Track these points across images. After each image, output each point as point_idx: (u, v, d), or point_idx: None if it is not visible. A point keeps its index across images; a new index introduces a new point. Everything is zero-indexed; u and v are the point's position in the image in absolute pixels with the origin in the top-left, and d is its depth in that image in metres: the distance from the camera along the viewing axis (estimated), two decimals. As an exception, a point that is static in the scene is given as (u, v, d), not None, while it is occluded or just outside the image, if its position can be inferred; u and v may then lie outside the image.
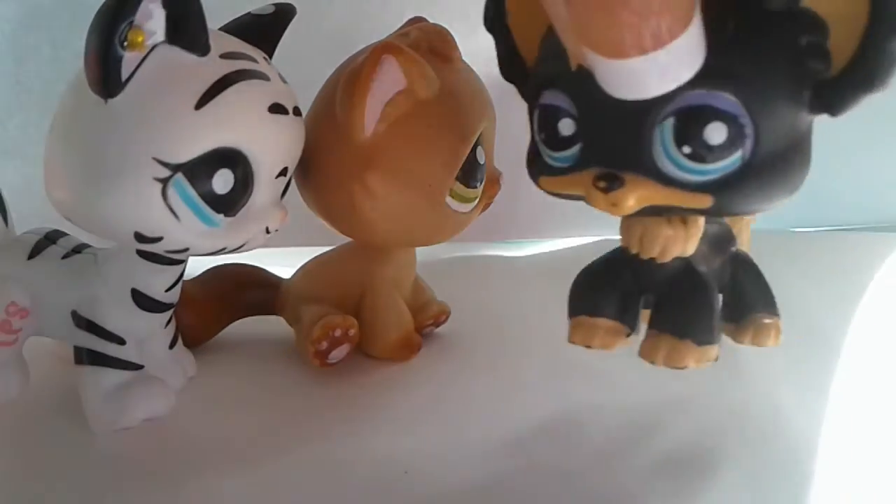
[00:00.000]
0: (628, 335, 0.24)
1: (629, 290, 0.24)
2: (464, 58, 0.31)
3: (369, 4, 0.47)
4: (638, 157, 0.19)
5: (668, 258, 0.22)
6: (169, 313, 0.28)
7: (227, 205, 0.23)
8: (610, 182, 0.19)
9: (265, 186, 0.24)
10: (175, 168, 0.21)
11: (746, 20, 0.17)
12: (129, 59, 0.20)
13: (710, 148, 0.18)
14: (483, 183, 0.30)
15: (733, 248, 0.25)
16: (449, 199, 0.29)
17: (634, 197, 0.19)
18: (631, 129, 0.19)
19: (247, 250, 0.26)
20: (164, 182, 0.21)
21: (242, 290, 0.35)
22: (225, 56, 0.23)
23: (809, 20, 0.17)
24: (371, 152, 0.27)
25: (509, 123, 0.31)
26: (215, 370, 0.32)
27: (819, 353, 0.34)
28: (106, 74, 0.20)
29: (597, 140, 0.20)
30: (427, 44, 0.28)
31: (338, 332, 0.31)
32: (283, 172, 0.25)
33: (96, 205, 0.22)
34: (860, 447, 0.26)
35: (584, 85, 0.18)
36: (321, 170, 0.29)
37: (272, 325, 0.35)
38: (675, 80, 0.16)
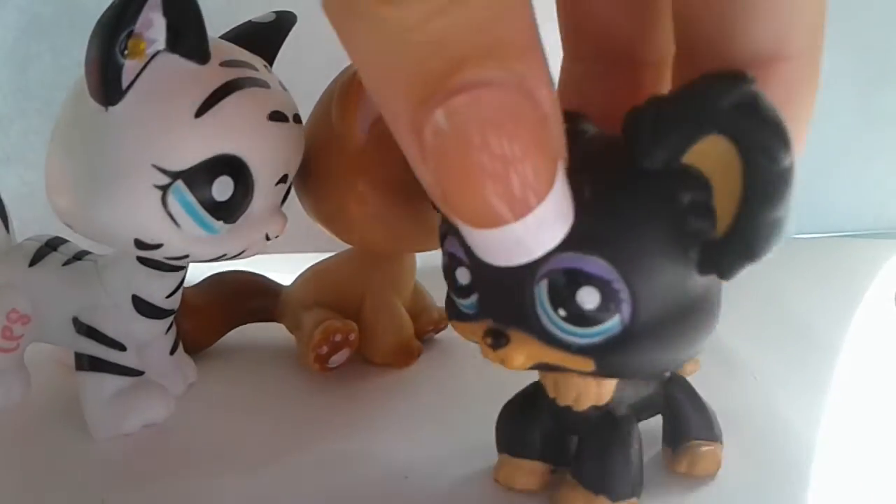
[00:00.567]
0: (553, 471, 0.23)
1: (550, 428, 0.23)
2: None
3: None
4: (524, 315, 0.18)
5: (582, 407, 0.22)
6: (170, 319, 0.28)
7: (227, 212, 0.23)
8: (496, 339, 0.19)
9: (265, 193, 0.24)
10: (175, 175, 0.22)
11: (612, 180, 0.16)
12: (129, 67, 0.20)
13: (583, 312, 0.17)
14: None
15: (667, 374, 0.23)
16: None
17: (522, 355, 0.18)
18: (514, 287, 0.18)
19: (246, 257, 0.26)
20: (164, 189, 0.22)
21: (243, 297, 0.35)
22: (225, 64, 0.23)
23: (691, 177, 0.15)
24: (364, 158, 0.27)
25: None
26: (215, 376, 0.32)
27: (818, 358, 0.34)
28: (106, 82, 0.20)
29: (487, 293, 0.19)
30: None
31: (338, 337, 0.31)
32: (283, 179, 0.25)
33: (96, 212, 0.22)
34: (859, 452, 0.26)
35: None
36: (318, 176, 0.29)
37: (272, 332, 0.35)
38: (543, 246, 0.15)
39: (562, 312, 0.17)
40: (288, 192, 0.27)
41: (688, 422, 0.24)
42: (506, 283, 0.18)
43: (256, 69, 0.24)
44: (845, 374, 0.32)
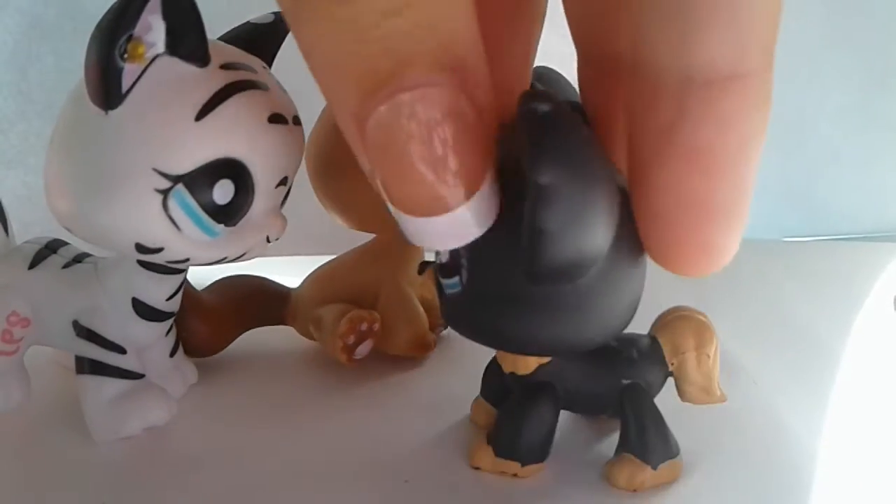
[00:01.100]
0: None
1: (502, 389, 0.26)
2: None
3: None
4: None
5: (506, 370, 0.24)
6: (170, 322, 0.28)
7: (228, 215, 0.23)
8: (420, 270, 0.23)
9: (265, 196, 0.24)
10: (176, 179, 0.21)
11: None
12: (129, 70, 0.20)
13: (442, 264, 0.19)
14: None
15: (625, 381, 0.24)
16: None
17: (427, 285, 0.22)
18: None
19: (247, 259, 0.26)
20: (165, 193, 0.22)
21: (254, 301, 0.35)
22: (225, 66, 0.23)
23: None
24: None
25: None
26: (216, 379, 0.32)
27: (817, 363, 0.34)
28: (106, 86, 0.20)
29: None
30: None
31: (364, 326, 0.31)
32: (283, 182, 0.25)
33: (97, 216, 0.22)
34: (859, 456, 0.26)
35: None
36: (338, 164, 0.29)
37: (273, 335, 0.35)
38: (465, 237, 0.16)
39: (437, 258, 0.20)
40: (287, 195, 0.27)
41: (627, 434, 0.24)
42: None
43: (256, 71, 0.24)
44: (845, 378, 0.32)
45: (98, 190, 0.22)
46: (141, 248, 0.23)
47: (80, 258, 0.27)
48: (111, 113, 0.21)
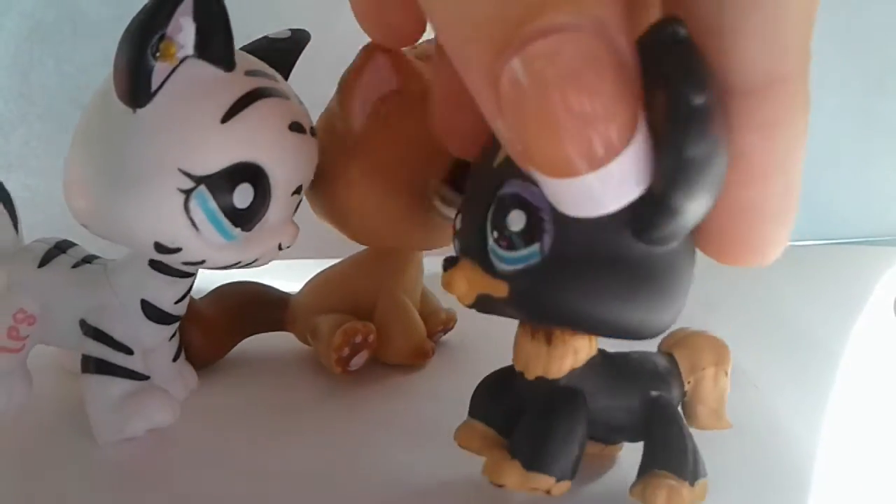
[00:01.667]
0: (506, 447, 0.22)
1: (513, 406, 0.23)
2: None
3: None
4: (476, 241, 0.19)
5: (530, 376, 0.21)
6: (175, 325, 0.28)
7: (245, 219, 0.24)
8: (448, 263, 0.20)
9: (281, 203, 0.25)
10: (199, 180, 0.22)
11: None
12: (159, 70, 0.21)
13: (510, 233, 0.18)
14: None
15: (654, 393, 0.23)
16: (438, 203, 0.29)
17: (463, 279, 0.19)
18: (479, 214, 0.19)
19: (259, 265, 0.26)
20: (188, 193, 0.22)
21: (252, 308, 0.35)
22: (249, 73, 0.23)
23: None
24: (358, 145, 0.27)
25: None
26: (219, 382, 0.32)
27: (818, 366, 0.34)
28: (136, 85, 0.21)
29: (464, 226, 0.21)
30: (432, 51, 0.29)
31: (359, 338, 0.31)
32: (298, 191, 0.26)
33: (119, 213, 0.22)
34: (860, 460, 0.26)
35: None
36: (320, 169, 0.29)
37: (275, 339, 0.35)
38: (618, 200, 0.15)
39: (495, 234, 0.18)
40: (299, 204, 0.27)
41: (657, 451, 0.22)
42: (476, 211, 0.19)
43: (277, 80, 0.25)
44: (845, 381, 0.32)
45: (122, 187, 0.22)
46: (160, 248, 0.23)
47: (89, 259, 0.27)
48: (139, 111, 0.21)
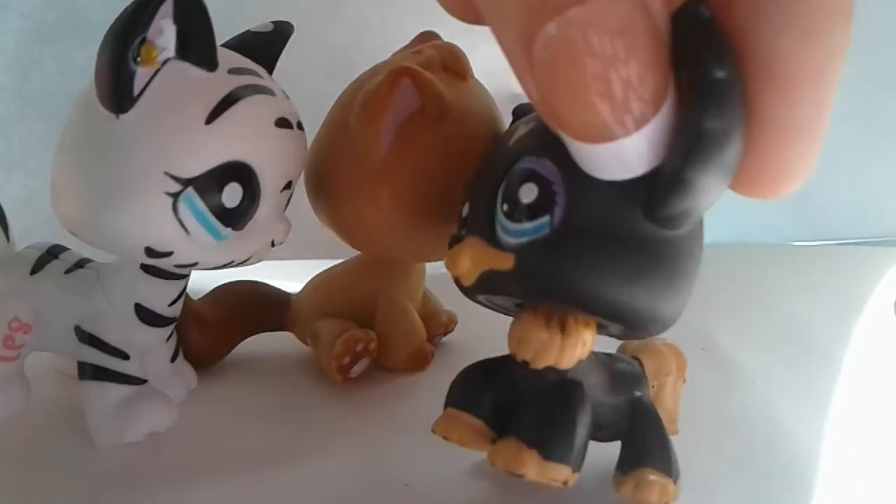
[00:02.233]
0: (493, 441, 0.22)
1: (506, 396, 0.22)
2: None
3: (370, 21, 0.48)
4: (484, 217, 0.19)
5: (540, 365, 0.20)
6: (171, 327, 0.28)
7: (236, 218, 0.23)
8: (453, 241, 0.20)
9: (271, 200, 0.25)
10: (186, 182, 0.21)
11: None
12: (141, 74, 0.20)
13: (520, 205, 0.18)
14: None
15: (638, 393, 0.23)
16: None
17: (468, 256, 0.19)
18: (490, 190, 0.19)
19: (252, 264, 0.26)
20: (176, 196, 0.22)
21: (252, 309, 0.35)
22: (233, 71, 0.23)
23: None
24: (386, 170, 0.27)
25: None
26: (218, 384, 0.32)
27: (817, 365, 0.34)
28: (118, 90, 0.20)
29: (473, 204, 0.21)
30: (440, 61, 0.29)
31: (359, 347, 0.31)
32: (288, 186, 0.26)
33: (107, 220, 0.22)
34: (859, 459, 0.26)
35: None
36: (336, 184, 0.29)
37: (275, 340, 0.35)
38: (647, 163, 0.15)
39: (505, 207, 0.18)
40: (290, 199, 0.27)
41: (645, 450, 0.23)
42: (486, 189, 0.19)
43: (262, 77, 0.24)
44: (845, 381, 0.32)
45: (108, 194, 0.21)
46: (151, 253, 0.23)
47: (81, 264, 0.27)
48: (122, 116, 0.21)
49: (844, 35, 0.14)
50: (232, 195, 0.23)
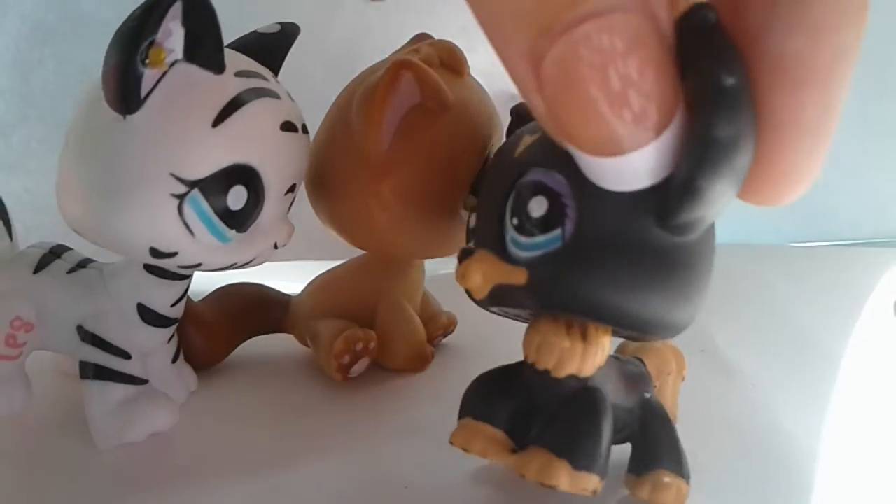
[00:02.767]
0: (513, 451, 0.22)
1: (523, 405, 0.22)
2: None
3: (370, 21, 0.48)
4: (494, 231, 0.19)
5: (562, 374, 0.21)
6: (173, 328, 0.28)
7: (240, 221, 0.23)
8: (463, 255, 0.20)
9: (275, 202, 0.25)
10: (192, 184, 0.22)
11: None
12: (148, 76, 0.21)
13: (531, 219, 0.18)
14: None
15: (647, 395, 0.23)
16: (463, 212, 0.29)
17: (478, 271, 0.19)
18: (498, 203, 0.19)
19: (255, 265, 0.26)
20: (181, 198, 0.22)
21: (252, 310, 0.35)
22: (239, 74, 0.23)
23: None
24: (387, 165, 0.27)
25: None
26: (219, 385, 0.32)
27: (817, 366, 0.34)
28: (126, 91, 0.20)
29: (481, 218, 0.21)
30: (438, 59, 0.29)
31: (359, 346, 0.31)
32: (292, 189, 0.26)
33: (112, 220, 0.22)
34: (858, 460, 0.26)
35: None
36: (336, 182, 0.29)
37: (275, 341, 0.35)
38: (656, 175, 0.15)
39: (515, 221, 0.18)
40: (293, 202, 0.27)
41: (658, 451, 0.22)
42: (494, 202, 0.19)
43: (268, 80, 0.24)
44: (845, 382, 0.32)
45: (114, 194, 0.22)
46: (156, 253, 0.23)
47: (84, 264, 0.27)
48: (129, 118, 0.21)
49: (856, 34, 0.14)
50: (237, 198, 0.23)
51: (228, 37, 0.26)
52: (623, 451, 0.23)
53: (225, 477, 0.25)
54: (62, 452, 0.26)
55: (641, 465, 0.23)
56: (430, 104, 0.27)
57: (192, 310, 0.32)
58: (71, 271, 0.27)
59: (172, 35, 0.20)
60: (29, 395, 0.27)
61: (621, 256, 0.17)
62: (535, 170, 0.18)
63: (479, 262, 0.19)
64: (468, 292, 0.20)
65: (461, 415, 0.23)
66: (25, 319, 0.26)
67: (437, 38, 0.32)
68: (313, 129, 0.30)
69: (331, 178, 0.29)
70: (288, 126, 0.24)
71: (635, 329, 0.19)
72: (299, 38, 0.28)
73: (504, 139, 0.31)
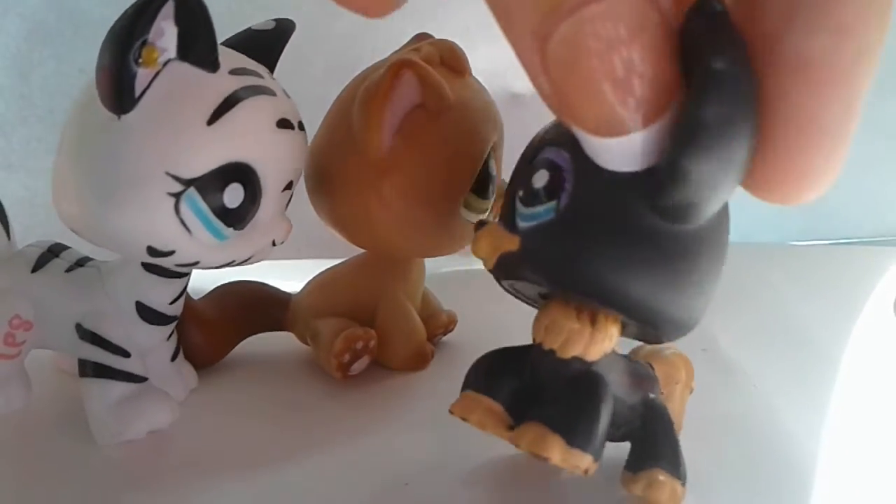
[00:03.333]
0: (510, 427, 0.22)
1: (526, 387, 0.22)
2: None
3: (371, 20, 0.48)
4: (509, 209, 0.21)
5: (567, 354, 0.21)
6: (172, 326, 0.28)
7: (237, 218, 0.24)
8: (478, 226, 0.21)
9: (272, 200, 0.25)
10: (188, 183, 0.22)
11: None
12: (142, 75, 0.21)
13: (532, 189, 0.19)
14: (494, 194, 0.31)
15: (652, 395, 0.23)
16: (463, 210, 0.29)
17: (487, 241, 0.20)
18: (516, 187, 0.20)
19: (253, 263, 0.26)
20: (177, 197, 0.22)
21: (252, 308, 0.35)
22: (234, 72, 0.23)
23: None
24: (388, 164, 0.27)
25: (508, 138, 0.32)
26: (219, 382, 0.32)
27: (817, 366, 0.34)
28: (120, 91, 0.20)
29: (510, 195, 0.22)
30: (439, 58, 0.29)
31: (359, 345, 0.31)
32: (289, 186, 0.26)
33: (109, 220, 0.22)
34: (859, 460, 0.26)
35: None
36: (337, 181, 0.29)
37: (276, 339, 0.35)
38: (659, 154, 0.15)
39: (521, 193, 0.20)
40: (290, 199, 0.27)
41: (657, 450, 0.23)
42: (515, 180, 0.21)
43: (263, 77, 0.24)
44: (845, 381, 0.32)
45: (110, 194, 0.22)
46: (153, 252, 0.23)
47: (82, 262, 0.27)
48: (123, 117, 0.21)
49: (880, 34, 0.14)
50: (233, 195, 0.23)
51: (228, 34, 0.26)
52: (624, 449, 0.23)
53: (225, 474, 0.25)
54: (62, 450, 0.26)
55: (638, 463, 0.23)
56: (430, 104, 0.27)
57: (192, 308, 0.32)
58: (69, 270, 0.27)
59: (165, 34, 0.21)
60: (28, 394, 0.27)
61: (612, 235, 0.18)
62: (548, 148, 0.19)
63: (487, 231, 0.20)
64: (484, 264, 0.21)
65: (464, 387, 0.24)
66: (24, 318, 0.26)
67: (437, 37, 0.32)
68: (313, 128, 0.30)
69: (331, 176, 0.29)
70: (284, 123, 0.24)
71: (633, 316, 0.19)
72: (300, 36, 0.28)
73: (504, 137, 0.32)
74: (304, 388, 0.32)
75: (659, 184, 0.16)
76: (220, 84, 0.22)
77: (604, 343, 0.21)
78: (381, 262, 0.34)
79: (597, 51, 0.13)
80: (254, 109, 0.23)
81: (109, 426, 0.26)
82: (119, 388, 0.26)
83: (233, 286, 0.35)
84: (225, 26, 0.26)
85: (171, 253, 0.23)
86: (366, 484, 0.24)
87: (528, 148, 0.22)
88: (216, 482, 0.24)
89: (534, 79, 0.14)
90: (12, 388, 0.27)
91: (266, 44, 0.27)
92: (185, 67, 0.22)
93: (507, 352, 0.24)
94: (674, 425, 0.23)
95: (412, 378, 0.33)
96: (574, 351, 0.21)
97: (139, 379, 0.26)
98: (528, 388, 0.22)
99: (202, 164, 0.22)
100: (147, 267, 0.26)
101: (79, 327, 0.26)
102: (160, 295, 0.26)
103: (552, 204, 0.18)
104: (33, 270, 0.27)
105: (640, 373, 0.24)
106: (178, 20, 0.20)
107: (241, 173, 0.23)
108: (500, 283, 0.23)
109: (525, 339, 0.37)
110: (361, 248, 0.33)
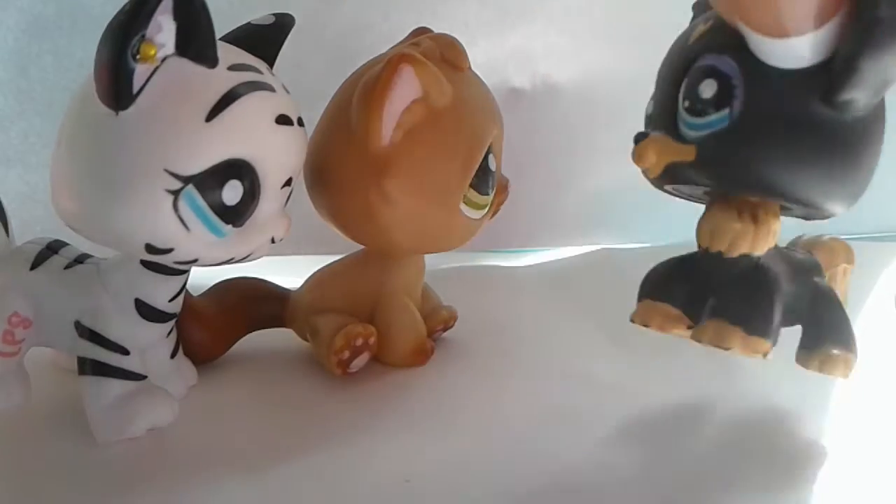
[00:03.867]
0: (689, 327, 0.24)
1: (699, 286, 0.24)
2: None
3: (371, 15, 0.48)
4: (667, 114, 0.22)
5: (735, 253, 0.23)
6: (171, 323, 0.28)
7: (236, 215, 0.23)
8: (639, 137, 0.22)
9: (271, 196, 0.25)
10: (186, 180, 0.22)
11: None
12: (140, 71, 0.20)
13: (701, 100, 0.20)
14: (494, 190, 0.30)
15: (817, 279, 0.25)
16: (463, 206, 0.29)
17: (652, 150, 0.21)
18: (672, 89, 0.22)
19: (252, 260, 0.26)
20: (176, 194, 0.22)
21: (252, 305, 0.35)
22: (233, 68, 0.23)
23: None
24: (388, 159, 0.27)
25: (507, 133, 0.32)
26: (219, 380, 0.32)
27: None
28: (118, 87, 0.20)
29: (657, 104, 0.23)
30: (439, 53, 0.29)
31: (359, 342, 0.31)
32: (288, 182, 0.25)
33: (107, 217, 0.22)
34: (860, 453, 0.26)
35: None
36: (336, 177, 0.29)
37: (275, 336, 0.35)
38: (824, 53, 0.17)
39: (686, 103, 0.21)
40: (290, 195, 0.27)
41: (825, 329, 0.25)
42: (668, 87, 0.22)
43: (262, 73, 0.24)
44: (847, 377, 0.32)
45: (109, 191, 0.21)
46: (151, 249, 0.23)
47: (81, 259, 0.27)
48: (121, 113, 0.21)
49: None
50: (232, 192, 0.23)
51: (227, 28, 0.26)
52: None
53: (225, 471, 0.25)
54: (62, 448, 0.26)
55: (812, 342, 0.25)
56: (430, 97, 0.27)
57: (192, 304, 0.32)
58: (68, 267, 0.27)
59: (163, 29, 0.20)
60: (28, 391, 0.27)
61: (787, 131, 0.19)
62: (707, 55, 0.20)
63: (653, 142, 0.21)
64: (644, 173, 0.22)
65: (640, 297, 0.26)
66: (23, 315, 0.26)
67: (437, 31, 0.32)
68: (313, 123, 0.30)
69: (331, 172, 0.29)
70: (283, 119, 0.24)
71: (802, 203, 0.21)
72: (299, 31, 0.28)
73: (503, 132, 0.31)
74: (303, 385, 0.32)
75: (836, 79, 0.17)
76: (219, 80, 0.22)
77: (768, 237, 0.23)
78: (381, 259, 0.33)
79: None
80: (253, 106, 0.23)
81: (109, 424, 0.26)
82: (118, 386, 0.26)
83: (232, 283, 0.35)
84: (224, 21, 0.26)
85: (170, 250, 0.23)
86: (366, 480, 0.24)
87: (678, 51, 0.22)
88: (216, 479, 0.24)
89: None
90: (12, 385, 0.27)
91: (265, 39, 0.27)
92: (184, 63, 0.21)
93: (677, 260, 0.26)
94: (840, 303, 0.25)
95: (412, 374, 0.33)
96: (741, 249, 0.23)
97: (138, 377, 0.26)
98: (701, 291, 0.24)
99: (201, 160, 0.22)
100: (146, 264, 0.25)
101: (78, 324, 0.26)
102: (159, 292, 0.26)
103: (724, 112, 0.19)
104: (32, 267, 0.27)
105: (801, 261, 0.26)
106: (177, 15, 0.20)
107: (240, 170, 0.23)
108: (657, 187, 0.24)
109: (529, 333, 0.37)
110: (361, 244, 0.33)
